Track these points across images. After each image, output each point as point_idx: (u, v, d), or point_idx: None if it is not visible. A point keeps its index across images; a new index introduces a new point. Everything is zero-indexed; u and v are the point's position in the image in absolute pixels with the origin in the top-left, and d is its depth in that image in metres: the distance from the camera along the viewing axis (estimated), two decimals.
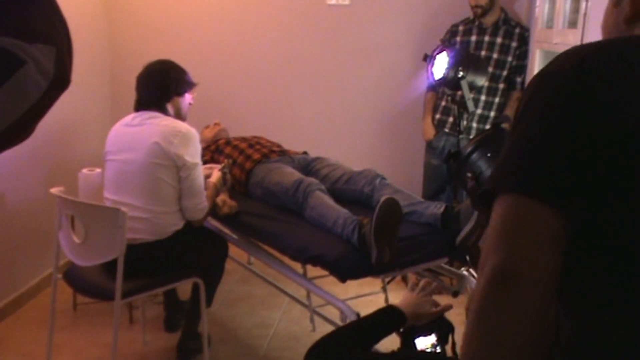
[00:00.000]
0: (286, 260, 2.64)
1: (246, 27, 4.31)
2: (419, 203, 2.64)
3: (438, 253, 2.49)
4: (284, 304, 3.57)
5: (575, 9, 2.88)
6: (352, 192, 2.87)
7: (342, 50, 4.24)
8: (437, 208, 2.56)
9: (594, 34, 2.45)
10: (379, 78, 4.25)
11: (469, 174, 1.74)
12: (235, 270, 3.78)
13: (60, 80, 1.00)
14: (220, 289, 3.12)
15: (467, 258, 2.64)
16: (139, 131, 2.71)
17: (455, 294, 2.60)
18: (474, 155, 1.75)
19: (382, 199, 2.20)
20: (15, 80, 0.92)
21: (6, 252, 3.32)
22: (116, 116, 3.83)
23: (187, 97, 2.86)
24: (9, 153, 3.39)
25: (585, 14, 2.54)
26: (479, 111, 3.71)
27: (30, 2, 1.02)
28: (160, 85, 2.77)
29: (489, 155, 1.73)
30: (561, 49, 2.93)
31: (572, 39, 2.76)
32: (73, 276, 2.72)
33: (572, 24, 2.93)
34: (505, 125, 1.79)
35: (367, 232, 2.25)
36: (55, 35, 1.01)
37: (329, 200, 2.61)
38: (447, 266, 2.64)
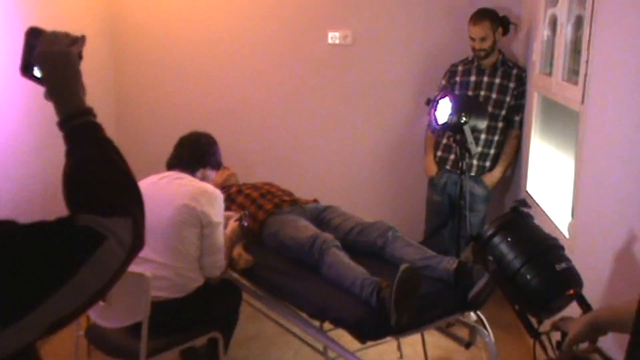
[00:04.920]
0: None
1: (249, 67, 4.38)
2: (431, 257, 2.74)
3: (452, 309, 2.60)
4: (296, 343, 3.64)
5: (576, 61, 2.96)
6: (364, 243, 2.96)
7: (344, 88, 4.33)
8: (450, 263, 2.66)
9: (596, 92, 2.54)
10: (380, 115, 4.35)
11: (491, 258, 1.84)
12: (243, 308, 3.84)
13: (136, 247, 1.08)
14: None
15: (479, 313, 2.75)
16: (165, 188, 2.79)
17: (467, 346, 2.70)
18: (495, 239, 1.84)
19: (402, 267, 2.30)
20: (97, 256, 1.00)
21: None
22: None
23: (212, 174, 3.03)
24: (29, 205, 3.46)
25: (586, 74, 2.62)
26: (478, 149, 3.81)
27: (109, 179, 1.10)
28: (203, 152, 2.97)
29: (509, 239, 1.83)
30: (561, 100, 3.05)
31: (571, 95, 2.85)
32: (94, 334, 2.79)
33: (573, 73, 2.99)
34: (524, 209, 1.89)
35: (386, 297, 2.35)
36: (132, 205, 1.10)
37: (345, 259, 2.70)
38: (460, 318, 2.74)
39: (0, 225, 0.97)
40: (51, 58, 1.19)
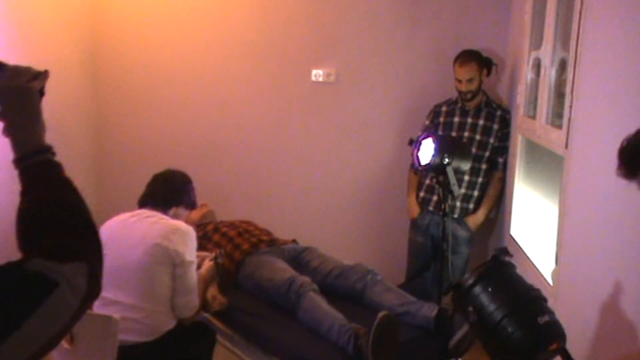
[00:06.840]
0: None
1: (231, 104, 4.34)
2: (411, 303, 2.66)
3: (432, 358, 2.52)
4: None
5: (560, 104, 2.93)
6: (342, 287, 2.88)
7: (326, 126, 4.29)
8: (429, 310, 2.58)
9: (581, 137, 2.50)
10: (362, 154, 4.29)
11: (471, 308, 1.76)
12: (216, 350, 3.70)
13: (92, 294, 1.02)
14: None
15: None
16: (136, 227, 2.69)
17: None
18: (476, 289, 1.77)
19: (380, 314, 2.22)
20: (48, 303, 0.93)
21: None
22: (102, 190, 3.79)
23: (185, 213, 2.93)
24: None
25: (570, 119, 2.58)
26: (462, 190, 3.75)
27: (63, 222, 1.04)
28: (177, 190, 2.88)
29: (489, 290, 1.76)
30: (545, 143, 3.01)
31: (555, 139, 2.81)
32: None
33: (557, 117, 2.96)
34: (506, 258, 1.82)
35: (363, 344, 2.26)
36: (87, 250, 1.03)
37: (322, 303, 2.61)
38: None
39: None
40: (10, 93, 1.13)
